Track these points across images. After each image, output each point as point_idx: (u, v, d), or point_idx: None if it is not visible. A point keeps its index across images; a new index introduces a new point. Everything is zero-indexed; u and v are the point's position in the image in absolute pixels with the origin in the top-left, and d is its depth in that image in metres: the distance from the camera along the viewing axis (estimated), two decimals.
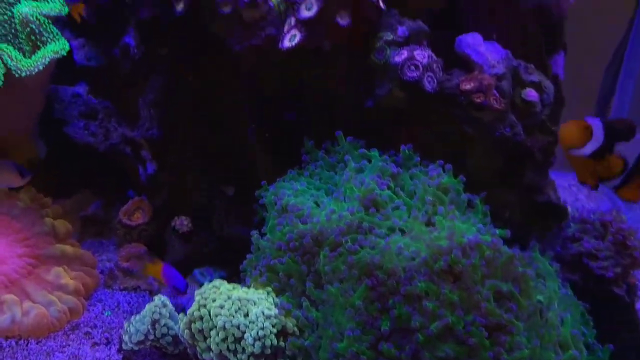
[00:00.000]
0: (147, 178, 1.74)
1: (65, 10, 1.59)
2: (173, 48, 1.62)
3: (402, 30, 1.53)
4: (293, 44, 1.48)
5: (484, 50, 1.58)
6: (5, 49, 1.48)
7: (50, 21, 1.56)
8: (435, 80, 1.50)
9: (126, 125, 1.76)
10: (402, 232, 1.31)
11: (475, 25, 1.62)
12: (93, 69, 1.79)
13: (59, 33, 1.56)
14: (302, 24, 1.48)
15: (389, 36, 1.53)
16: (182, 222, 1.69)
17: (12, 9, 1.59)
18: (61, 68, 1.71)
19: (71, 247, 1.62)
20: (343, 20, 1.48)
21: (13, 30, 1.62)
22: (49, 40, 1.55)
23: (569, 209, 1.76)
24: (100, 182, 1.83)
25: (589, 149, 1.43)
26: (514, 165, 1.59)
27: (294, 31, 1.50)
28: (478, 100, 1.49)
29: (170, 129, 1.69)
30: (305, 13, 1.48)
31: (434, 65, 1.50)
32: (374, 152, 1.49)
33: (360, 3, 1.49)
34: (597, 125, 1.43)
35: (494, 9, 1.61)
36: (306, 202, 1.43)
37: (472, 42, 1.59)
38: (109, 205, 1.83)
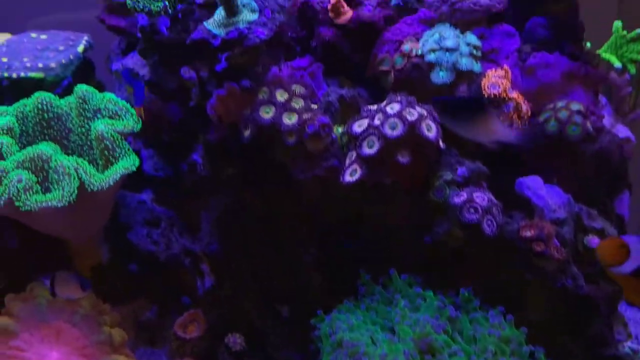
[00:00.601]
0: (204, 291, 1.78)
1: (138, 126, 1.69)
2: (238, 170, 1.70)
3: (461, 170, 1.55)
4: (354, 179, 1.51)
5: (544, 194, 1.58)
6: (81, 164, 1.58)
7: (123, 137, 1.66)
8: (495, 224, 1.49)
9: (187, 237, 1.83)
10: None
11: (536, 167, 1.62)
12: (160, 178, 1.89)
13: (130, 149, 1.65)
14: (363, 160, 1.52)
15: (449, 176, 1.55)
16: (235, 340, 1.68)
17: (90, 123, 1.71)
18: (129, 174, 1.78)
19: (125, 358, 1.63)
20: (403, 158, 1.51)
21: (89, 142, 1.73)
22: (120, 155, 1.63)
23: None
24: (158, 290, 1.86)
25: (628, 267, 1.37)
26: (578, 315, 1.53)
27: (355, 166, 1.54)
28: (538, 249, 1.47)
29: (230, 246, 1.73)
30: (367, 150, 1.53)
31: (494, 209, 1.50)
32: (429, 293, 1.47)
33: (421, 142, 1.52)
34: (634, 242, 1.38)
35: (554, 152, 1.61)
36: (361, 338, 1.41)
37: (533, 185, 1.58)
38: (164, 312, 1.86)
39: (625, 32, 1.90)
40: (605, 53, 1.86)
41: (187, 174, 1.79)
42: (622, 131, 1.77)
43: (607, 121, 1.76)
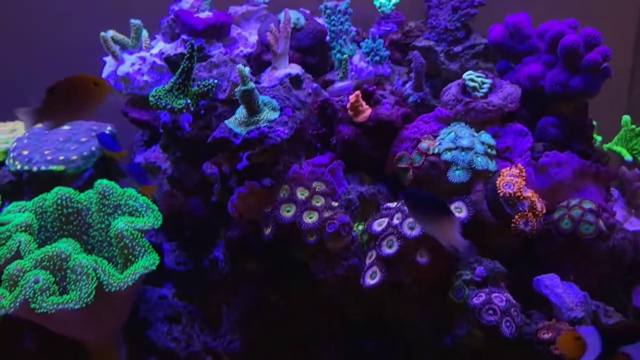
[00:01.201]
0: None
1: (158, 223, 1.69)
2: (259, 266, 1.70)
3: (480, 270, 1.57)
4: (374, 282, 1.53)
5: (561, 292, 1.59)
6: (100, 263, 1.56)
7: (143, 235, 1.64)
8: (514, 326, 1.49)
9: (208, 333, 1.81)
10: None
11: (552, 265, 1.64)
12: (181, 273, 1.89)
13: (151, 247, 1.64)
14: (382, 261, 1.54)
15: (467, 275, 1.57)
16: None
17: (110, 219, 1.71)
18: None
19: None
20: (422, 258, 1.53)
21: (108, 239, 1.71)
22: (140, 254, 1.61)
23: None
24: None
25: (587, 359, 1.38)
26: None
27: (375, 268, 1.56)
28: (556, 352, 1.47)
29: (252, 345, 1.73)
30: (387, 250, 1.55)
31: (512, 310, 1.51)
32: None
33: (439, 243, 1.52)
34: (589, 334, 1.39)
35: (569, 249, 1.63)
36: None
37: (550, 284, 1.60)
38: None
39: (633, 126, 1.96)
40: (616, 146, 1.91)
41: (209, 270, 1.80)
42: (636, 224, 1.80)
43: (619, 215, 1.79)
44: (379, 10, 2.24)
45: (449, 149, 1.67)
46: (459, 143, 1.67)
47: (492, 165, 1.66)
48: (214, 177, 1.73)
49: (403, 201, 1.52)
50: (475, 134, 1.71)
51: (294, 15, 2.13)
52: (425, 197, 1.38)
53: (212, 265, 1.77)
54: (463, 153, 1.65)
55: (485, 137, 1.70)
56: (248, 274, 1.70)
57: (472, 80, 1.77)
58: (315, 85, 1.93)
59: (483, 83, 1.77)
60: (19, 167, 1.88)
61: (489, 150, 1.68)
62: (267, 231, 1.62)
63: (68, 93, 1.39)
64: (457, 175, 1.65)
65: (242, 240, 1.68)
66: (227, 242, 1.71)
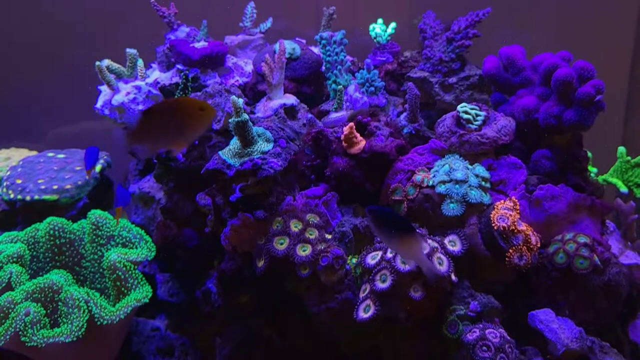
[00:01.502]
0: None
1: (152, 255, 1.67)
2: (252, 299, 1.68)
3: (474, 305, 1.56)
4: (367, 316, 1.51)
5: (556, 328, 1.57)
6: (92, 296, 1.53)
7: (136, 267, 1.63)
8: None
9: None
10: None
11: (547, 299, 1.63)
12: (174, 304, 1.86)
13: (144, 279, 1.62)
14: (376, 295, 1.53)
15: (461, 310, 1.55)
16: None
17: (103, 249, 1.69)
18: None
19: None
20: (416, 293, 1.52)
21: (101, 270, 1.69)
22: (133, 286, 1.59)
23: None
24: None
25: None
26: None
27: (369, 301, 1.54)
28: None
29: None
30: (380, 285, 1.54)
31: (506, 346, 1.49)
32: None
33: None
34: None
35: (564, 286, 1.62)
36: None
37: (545, 319, 1.58)
38: None
39: (629, 158, 1.96)
40: (611, 178, 1.91)
41: (202, 302, 1.78)
42: (631, 257, 1.79)
43: (615, 247, 1.78)
44: (375, 40, 2.26)
45: (443, 182, 1.67)
46: (453, 176, 1.66)
47: (486, 198, 1.66)
48: (208, 208, 1.73)
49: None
50: (470, 167, 1.71)
51: (290, 46, 2.15)
52: (390, 214, 1.36)
53: (205, 297, 1.75)
54: (457, 186, 1.65)
55: (480, 169, 1.70)
56: (241, 307, 1.68)
57: (466, 112, 1.77)
58: (310, 115, 1.94)
59: (477, 115, 1.77)
60: (12, 196, 1.87)
61: (483, 183, 1.67)
62: (260, 264, 1.61)
63: (169, 117, 1.28)
64: (451, 209, 1.64)
65: (235, 273, 1.67)
66: (220, 274, 1.69)
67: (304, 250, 1.59)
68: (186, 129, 1.28)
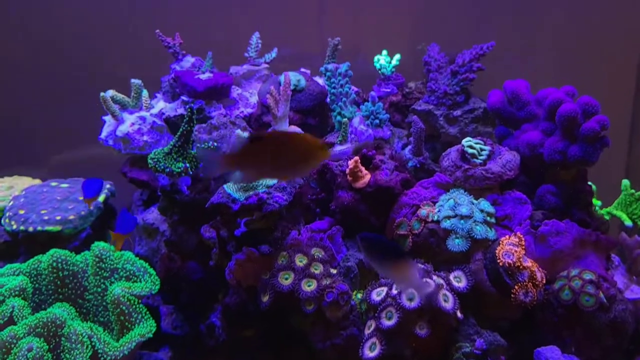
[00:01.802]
0: None
1: (156, 289, 1.65)
2: (256, 333, 1.67)
3: (480, 343, 1.54)
4: (373, 355, 1.50)
5: None
6: (95, 331, 1.52)
7: (140, 301, 1.61)
8: None
9: None
10: None
11: (553, 336, 1.62)
12: (178, 337, 1.85)
13: (148, 313, 1.60)
14: (382, 333, 1.52)
15: (467, 348, 1.54)
16: None
17: (106, 282, 1.67)
18: None
19: None
20: (422, 330, 1.51)
21: (104, 303, 1.67)
22: (137, 320, 1.58)
23: None
24: None
25: None
26: None
27: (374, 339, 1.53)
28: None
29: None
30: (386, 322, 1.53)
31: None
32: None
33: (439, 314, 1.52)
34: None
35: (570, 323, 1.61)
36: None
37: (551, 356, 1.57)
38: None
39: (633, 191, 1.96)
40: (615, 210, 1.90)
41: (206, 336, 1.76)
42: (637, 292, 1.78)
43: (620, 282, 1.77)
44: (379, 72, 2.28)
45: (448, 217, 1.66)
46: (458, 211, 1.66)
47: (491, 234, 1.65)
48: (212, 241, 1.72)
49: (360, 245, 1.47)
50: (474, 202, 1.71)
51: (295, 77, 2.16)
52: (381, 241, 1.36)
53: (209, 331, 1.74)
54: (462, 221, 1.65)
55: (485, 204, 1.70)
56: (245, 341, 1.67)
57: (471, 146, 1.77)
58: None
59: (482, 150, 1.78)
60: (14, 227, 1.86)
61: (488, 218, 1.67)
62: (265, 299, 1.61)
63: (283, 148, 1.20)
64: (456, 244, 1.64)
65: (239, 307, 1.66)
66: (225, 309, 1.68)
67: (309, 286, 1.58)
68: (301, 163, 1.22)
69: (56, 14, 2.60)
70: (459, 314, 1.55)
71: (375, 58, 2.27)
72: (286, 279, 1.60)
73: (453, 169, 1.79)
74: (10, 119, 2.65)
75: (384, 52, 2.27)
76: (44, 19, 2.61)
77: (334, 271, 1.64)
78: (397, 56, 2.27)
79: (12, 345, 1.46)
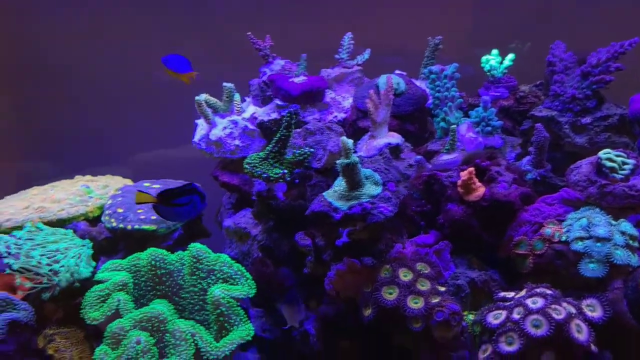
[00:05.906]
0: None
1: (252, 292, 1.62)
2: (355, 347, 1.58)
3: None
4: None
5: None
6: (197, 330, 1.53)
7: (238, 304, 1.60)
8: None
9: None
10: None
11: None
12: (267, 340, 1.79)
13: (246, 316, 1.59)
14: (500, 357, 1.34)
15: None
16: None
17: (203, 282, 1.67)
18: None
19: None
20: None
21: (200, 302, 1.68)
22: (236, 323, 1.57)
23: None
24: None
25: None
26: None
27: None
28: None
29: None
30: (506, 347, 1.36)
31: None
32: None
33: (569, 345, 1.32)
34: None
35: None
36: None
37: None
38: None
39: None
40: None
41: (299, 342, 1.70)
42: None
43: None
44: (488, 74, 2.08)
45: (581, 238, 1.47)
46: (593, 232, 1.46)
47: (634, 260, 1.44)
48: (308, 249, 1.64)
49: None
50: (614, 222, 1.49)
51: (395, 80, 2.02)
52: None
53: (302, 338, 1.67)
54: (599, 244, 1.45)
55: (626, 226, 1.48)
56: (342, 353, 1.58)
57: (611, 159, 1.55)
58: (419, 157, 1.78)
59: (624, 164, 1.55)
60: (114, 224, 1.90)
61: (631, 242, 1.46)
62: (367, 312, 1.51)
63: None
64: (590, 269, 1.44)
65: (336, 317, 1.59)
66: (321, 317, 1.61)
67: (415, 303, 1.46)
68: None
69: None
70: (593, 347, 1.35)
71: (484, 58, 2.07)
72: (390, 293, 1.49)
73: (585, 184, 1.58)
74: (91, 118, 2.68)
75: (494, 52, 2.07)
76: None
77: (442, 289, 1.51)
78: (511, 56, 2.06)
79: (121, 337, 1.50)
